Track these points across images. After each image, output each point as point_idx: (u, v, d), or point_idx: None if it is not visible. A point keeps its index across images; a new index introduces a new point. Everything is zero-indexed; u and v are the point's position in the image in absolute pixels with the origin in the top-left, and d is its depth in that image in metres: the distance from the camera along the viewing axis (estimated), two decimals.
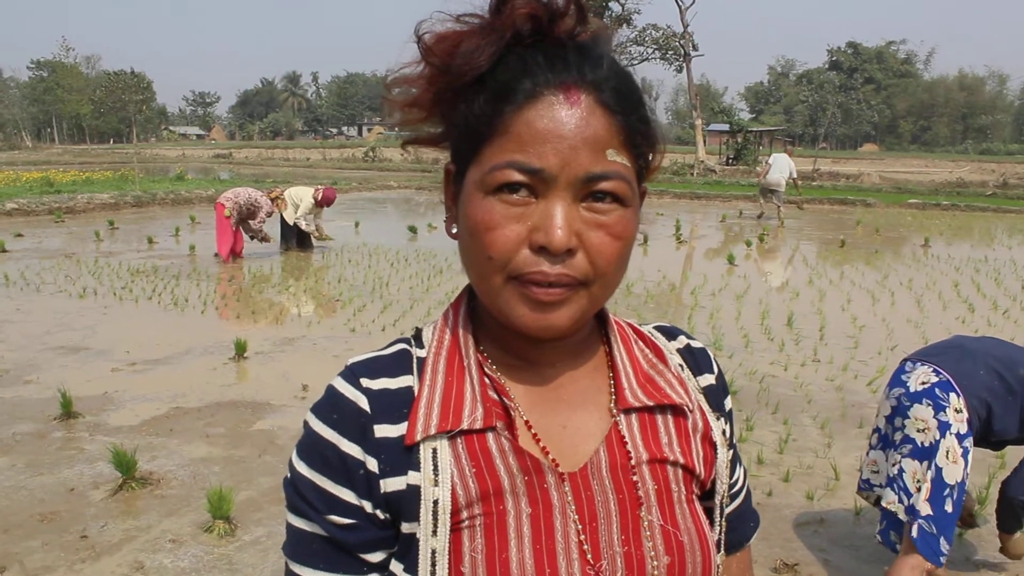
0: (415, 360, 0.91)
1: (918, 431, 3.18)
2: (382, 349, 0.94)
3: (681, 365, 1.00)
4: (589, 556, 0.84)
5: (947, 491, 3.12)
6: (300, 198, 13.42)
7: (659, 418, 0.93)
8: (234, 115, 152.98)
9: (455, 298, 0.96)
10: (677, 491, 0.91)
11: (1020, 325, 8.83)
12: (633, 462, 0.89)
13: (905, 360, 3.48)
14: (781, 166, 18.79)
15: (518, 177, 0.79)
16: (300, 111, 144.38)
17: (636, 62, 40.74)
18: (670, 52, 41.24)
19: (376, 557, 0.87)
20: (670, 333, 1.04)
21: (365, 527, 0.86)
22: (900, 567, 3.16)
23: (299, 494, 0.87)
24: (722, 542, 1.00)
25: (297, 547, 0.88)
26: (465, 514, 0.83)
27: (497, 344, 0.92)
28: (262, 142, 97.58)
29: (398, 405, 0.87)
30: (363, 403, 0.87)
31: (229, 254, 12.48)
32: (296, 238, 13.71)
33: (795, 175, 19.11)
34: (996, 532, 3.84)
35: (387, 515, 0.85)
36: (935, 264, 13.30)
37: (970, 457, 3.18)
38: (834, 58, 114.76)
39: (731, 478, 1.01)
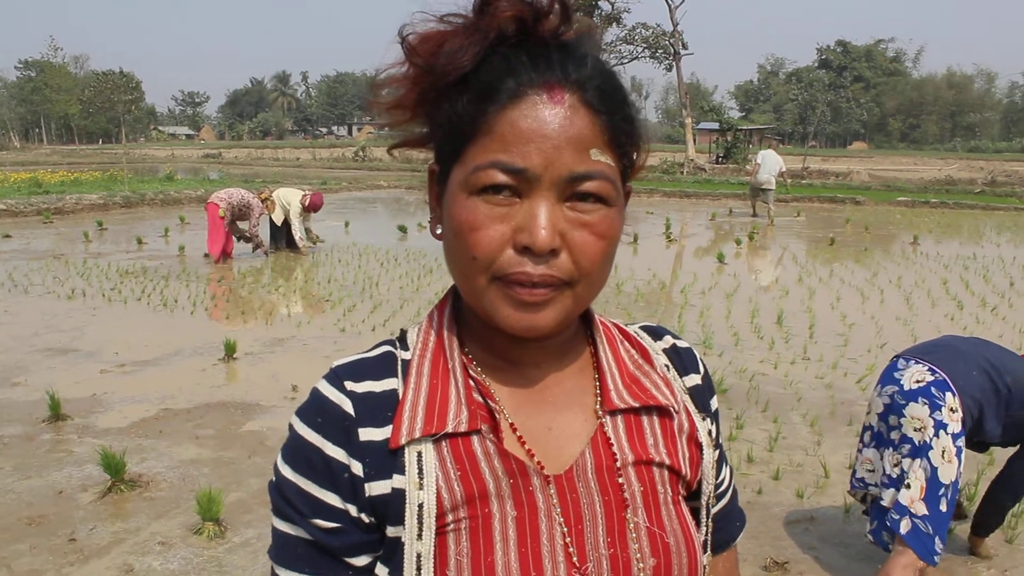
0: (400, 362, 0.91)
1: (915, 430, 3.18)
2: (367, 351, 0.93)
3: (667, 365, 1.00)
4: (575, 558, 0.84)
5: (942, 490, 3.13)
6: (288, 200, 13.37)
7: (645, 419, 0.93)
8: (223, 115, 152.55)
9: (440, 299, 0.96)
10: (663, 492, 0.91)
11: (1008, 322, 8.87)
12: (619, 464, 0.89)
13: (897, 357, 3.48)
14: (770, 165, 18.85)
15: (502, 177, 0.79)
16: (290, 111, 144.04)
17: (626, 61, 40.81)
18: (660, 51, 41.18)
19: (361, 561, 0.86)
20: (656, 333, 1.04)
21: (350, 531, 0.85)
22: (893, 565, 3.17)
23: (284, 498, 0.87)
24: (708, 542, 1.00)
25: (282, 551, 0.88)
26: (450, 517, 0.83)
27: (482, 345, 0.91)
28: (251, 142, 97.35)
29: (383, 408, 0.86)
30: (347, 406, 0.86)
31: (220, 255, 12.45)
32: (286, 239, 13.68)
33: (784, 170, 19.16)
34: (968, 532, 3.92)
35: (372, 519, 0.85)
36: (924, 262, 13.35)
37: (962, 456, 3.19)
38: (823, 56, 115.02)
39: (717, 478, 1.01)
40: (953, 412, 3.15)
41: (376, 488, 0.84)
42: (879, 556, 3.63)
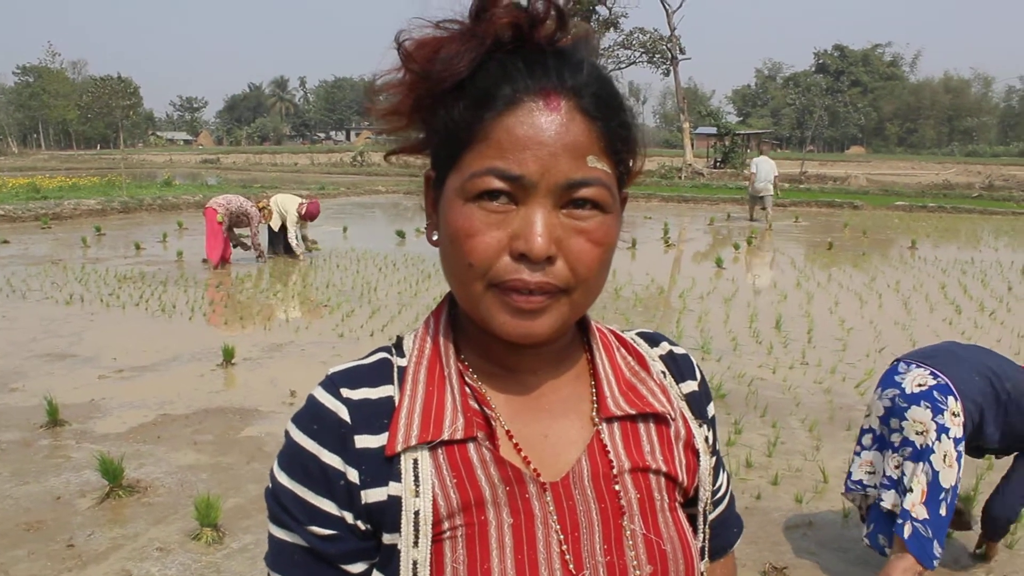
0: (396, 369, 0.90)
1: (917, 433, 3.18)
2: (363, 358, 0.93)
3: (664, 372, 1.00)
4: (571, 566, 0.84)
5: (942, 495, 3.13)
6: (286, 207, 13.38)
7: (641, 426, 0.93)
8: (221, 120, 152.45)
9: (436, 306, 0.95)
10: (660, 499, 0.91)
11: (1007, 326, 8.87)
12: (615, 471, 0.89)
13: (897, 361, 3.48)
14: (766, 171, 18.92)
15: (498, 184, 0.79)
16: (288, 116, 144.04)
17: (623, 66, 40.92)
18: (657, 56, 41.26)
19: (357, 568, 0.86)
20: (652, 339, 1.04)
21: (346, 538, 0.85)
22: (893, 569, 3.17)
23: (280, 505, 0.87)
24: (706, 549, 1.00)
25: (278, 558, 0.88)
26: (446, 525, 0.83)
27: (478, 352, 0.91)
28: (250, 147, 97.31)
29: (379, 415, 0.86)
30: (343, 413, 0.86)
31: (220, 260, 12.45)
32: (283, 244, 13.67)
33: (776, 174, 19.20)
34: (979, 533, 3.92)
35: (368, 526, 0.85)
36: (922, 266, 13.36)
37: (962, 461, 3.19)
38: (821, 61, 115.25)
39: (714, 485, 1.01)
40: (955, 416, 3.15)
41: (372, 495, 0.84)
42: (877, 561, 3.63)
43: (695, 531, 0.97)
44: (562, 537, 0.84)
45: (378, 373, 0.90)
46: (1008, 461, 3.69)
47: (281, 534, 0.87)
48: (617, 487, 0.88)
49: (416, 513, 0.82)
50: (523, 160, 0.78)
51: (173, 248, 14.44)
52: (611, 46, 39.97)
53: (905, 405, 3.24)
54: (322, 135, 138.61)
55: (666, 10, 39.13)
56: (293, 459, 0.87)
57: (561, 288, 0.81)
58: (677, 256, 14.94)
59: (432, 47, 0.82)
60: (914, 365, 3.36)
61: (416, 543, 0.82)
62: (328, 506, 0.85)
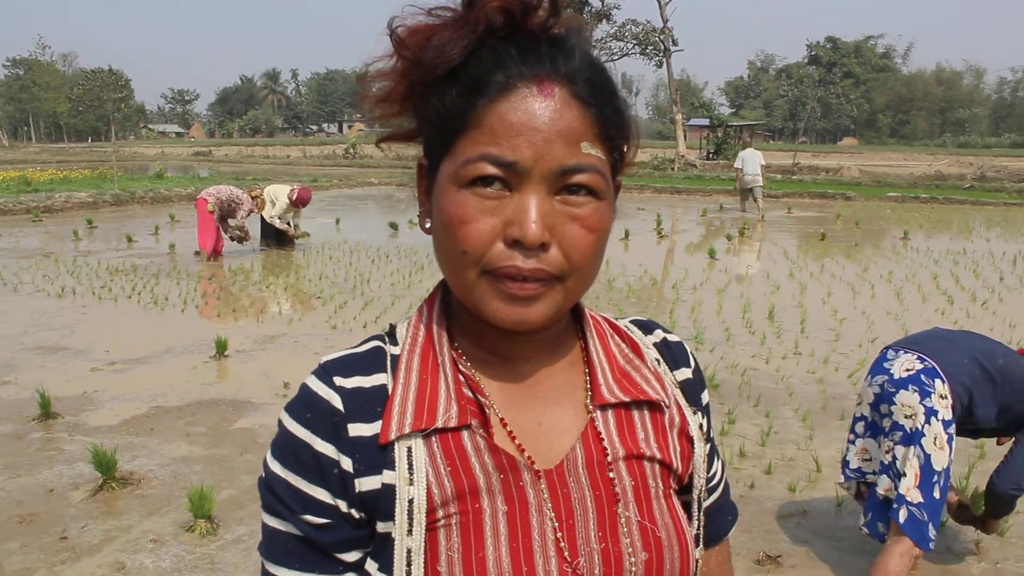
0: (389, 358, 0.90)
1: (906, 417, 3.20)
2: (356, 346, 0.93)
3: (658, 359, 1.00)
4: (566, 553, 0.84)
5: (935, 477, 3.15)
6: (278, 196, 13.37)
7: (635, 414, 0.92)
8: (213, 113, 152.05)
9: (429, 294, 0.95)
10: (654, 486, 0.91)
11: (998, 316, 8.90)
12: (609, 458, 0.89)
13: (887, 348, 3.50)
14: (753, 164, 18.99)
15: (492, 170, 0.78)
16: (280, 108, 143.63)
17: (616, 57, 40.76)
18: (650, 47, 41.15)
19: (351, 556, 0.86)
20: (646, 327, 1.04)
21: (340, 526, 0.85)
22: (890, 553, 3.19)
23: (274, 494, 0.87)
24: (701, 536, 1.00)
25: (272, 547, 0.88)
26: (441, 513, 0.83)
27: (472, 340, 0.91)
28: (242, 140, 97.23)
29: (372, 404, 0.86)
30: (337, 402, 0.86)
31: (212, 251, 12.42)
32: (275, 236, 13.65)
33: (763, 163, 19.24)
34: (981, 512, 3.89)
35: (362, 514, 0.85)
36: (914, 257, 13.39)
37: (954, 443, 3.21)
38: (813, 52, 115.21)
39: (708, 472, 1.01)
40: (943, 399, 3.18)
41: (366, 484, 0.84)
42: (871, 549, 3.65)
43: (690, 518, 0.96)
44: (557, 524, 0.84)
45: (371, 361, 0.90)
46: (1004, 450, 3.70)
47: (275, 523, 0.87)
48: (611, 474, 0.88)
49: (410, 501, 0.82)
50: (517, 146, 0.78)
51: (165, 241, 14.40)
52: (604, 38, 39.84)
53: (893, 390, 3.26)
54: (314, 127, 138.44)
55: (658, 2, 39.03)
56: (286, 448, 0.87)
57: (555, 275, 0.80)
58: (670, 247, 14.95)
59: (424, 34, 0.81)
60: (902, 351, 3.38)
61: (410, 531, 0.82)
62: (322, 495, 0.84)
